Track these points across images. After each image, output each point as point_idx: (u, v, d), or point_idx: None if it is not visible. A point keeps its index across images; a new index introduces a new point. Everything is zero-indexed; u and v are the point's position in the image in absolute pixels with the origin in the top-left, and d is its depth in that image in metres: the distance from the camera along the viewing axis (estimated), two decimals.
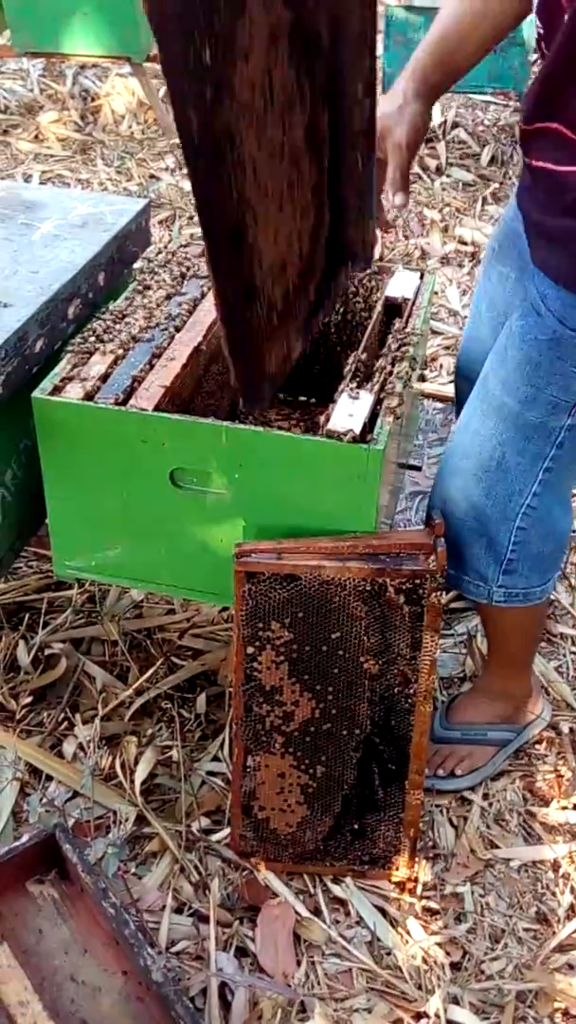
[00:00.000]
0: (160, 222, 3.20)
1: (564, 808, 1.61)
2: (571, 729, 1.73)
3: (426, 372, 2.32)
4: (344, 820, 1.44)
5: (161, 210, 3.26)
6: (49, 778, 1.60)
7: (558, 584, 1.97)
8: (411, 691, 1.34)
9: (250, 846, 1.47)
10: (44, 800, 1.55)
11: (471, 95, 3.93)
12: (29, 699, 1.71)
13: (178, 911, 1.44)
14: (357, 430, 1.26)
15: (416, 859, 1.47)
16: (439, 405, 2.45)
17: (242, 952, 1.40)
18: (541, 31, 1.17)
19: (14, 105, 3.97)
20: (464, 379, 1.64)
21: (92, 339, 1.43)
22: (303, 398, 1.85)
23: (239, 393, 1.21)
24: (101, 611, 1.86)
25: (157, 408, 1.31)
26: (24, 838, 1.37)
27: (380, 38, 3.85)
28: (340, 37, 1.15)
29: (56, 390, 1.34)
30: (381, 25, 3.74)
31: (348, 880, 1.48)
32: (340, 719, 1.36)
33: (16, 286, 1.46)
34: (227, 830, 1.51)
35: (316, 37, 1.12)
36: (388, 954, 1.41)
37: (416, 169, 3.59)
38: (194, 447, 1.31)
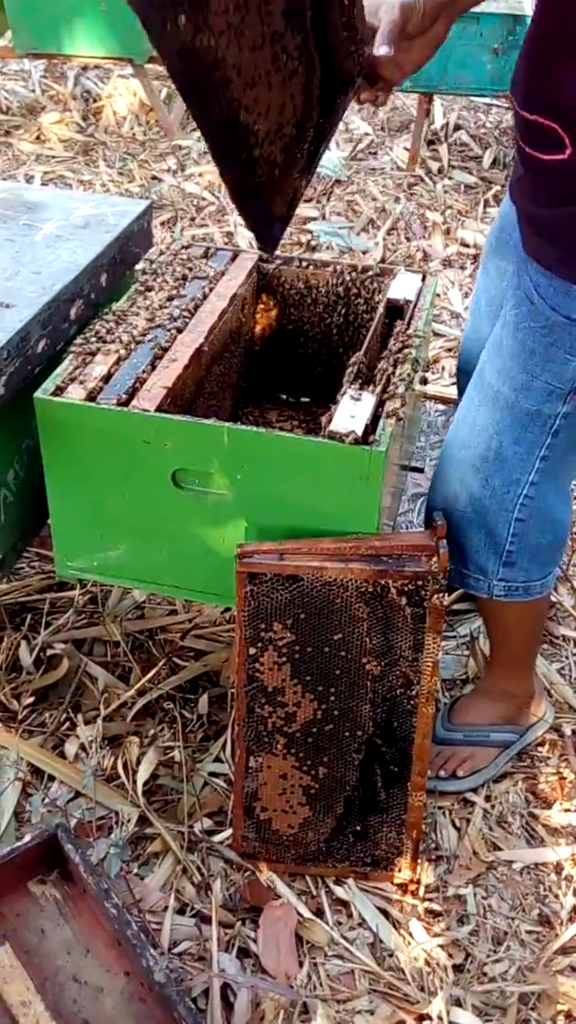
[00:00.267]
0: (162, 223, 3.20)
1: (567, 810, 1.61)
2: (574, 731, 1.73)
3: (428, 374, 2.32)
4: (346, 821, 1.44)
5: (163, 211, 3.26)
6: (51, 778, 1.60)
7: (560, 587, 1.97)
8: (413, 692, 1.34)
9: (252, 847, 1.47)
10: (46, 800, 1.55)
11: (473, 97, 3.93)
12: (31, 699, 1.71)
13: (180, 912, 1.44)
14: (359, 431, 1.26)
15: (418, 861, 1.47)
16: (441, 407, 2.44)
17: (244, 953, 1.40)
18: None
19: (16, 106, 3.97)
20: (465, 375, 1.65)
21: (94, 340, 1.43)
22: (305, 399, 1.85)
23: (254, 236, 1.24)
24: (103, 612, 1.86)
25: (159, 409, 1.32)
26: (26, 838, 1.37)
27: None
28: None
29: (58, 391, 1.34)
30: None
31: (350, 881, 1.48)
32: (342, 720, 1.36)
33: (18, 287, 1.46)
34: (229, 831, 1.51)
35: None
36: (390, 956, 1.41)
37: (418, 171, 3.59)
38: (196, 448, 1.31)
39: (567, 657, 1.86)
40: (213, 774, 1.61)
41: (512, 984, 1.39)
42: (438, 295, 2.86)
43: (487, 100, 3.97)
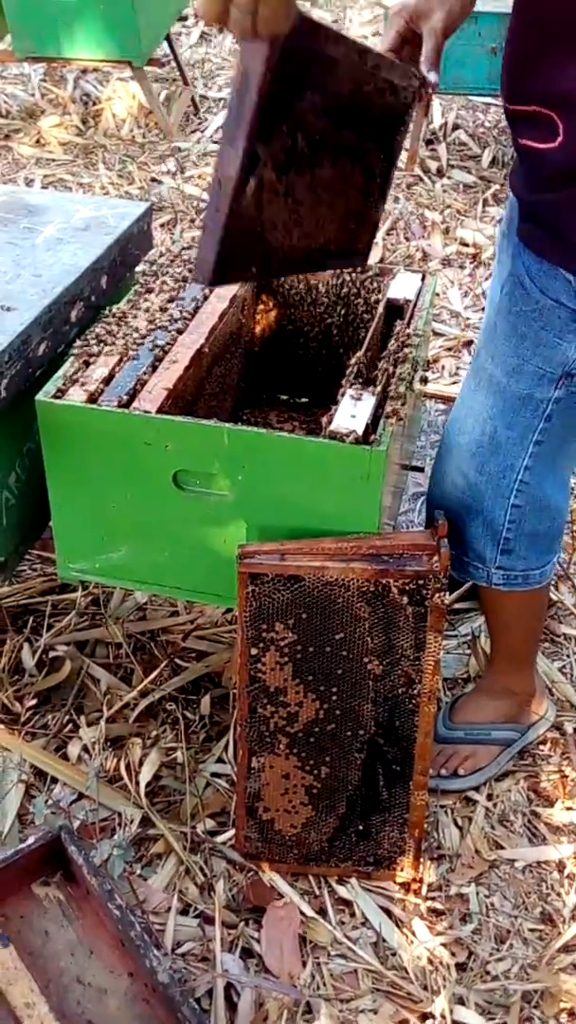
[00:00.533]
0: (161, 225, 3.20)
1: (569, 808, 1.61)
2: (575, 729, 1.73)
3: (428, 374, 2.32)
4: (349, 821, 1.44)
5: (162, 213, 3.26)
6: (54, 780, 1.60)
7: (560, 585, 1.98)
8: (415, 691, 1.35)
9: (255, 847, 1.47)
10: (49, 802, 1.55)
11: (471, 97, 3.93)
12: (34, 701, 1.71)
13: (183, 912, 1.44)
14: (360, 431, 1.26)
15: (421, 860, 1.47)
16: (441, 406, 2.45)
17: (247, 953, 1.40)
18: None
19: (15, 110, 3.97)
20: None
21: (95, 342, 1.43)
22: (304, 400, 1.86)
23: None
24: (105, 613, 1.86)
25: (160, 410, 1.32)
26: (29, 840, 1.38)
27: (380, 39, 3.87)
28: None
29: (59, 393, 1.34)
30: (382, 27, 3.75)
31: (353, 881, 1.48)
32: (344, 720, 1.36)
33: (19, 289, 1.46)
34: (232, 831, 1.51)
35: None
36: (393, 955, 1.41)
37: (417, 171, 3.59)
38: (197, 449, 1.31)
39: (568, 655, 1.86)
40: (215, 775, 1.62)
41: (515, 982, 1.39)
42: (437, 294, 2.86)
43: (485, 99, 3.97)
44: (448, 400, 2.43)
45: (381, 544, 1.29)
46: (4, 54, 3.69)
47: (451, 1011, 1.34)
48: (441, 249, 3.13)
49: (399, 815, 1.43)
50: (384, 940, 1.42)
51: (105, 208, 1.70)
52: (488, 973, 1.40)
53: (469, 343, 2.68)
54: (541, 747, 1.70)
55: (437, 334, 2.71)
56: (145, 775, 1.60)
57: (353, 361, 1.40)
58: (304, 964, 1.39)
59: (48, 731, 1.68)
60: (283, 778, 1.41)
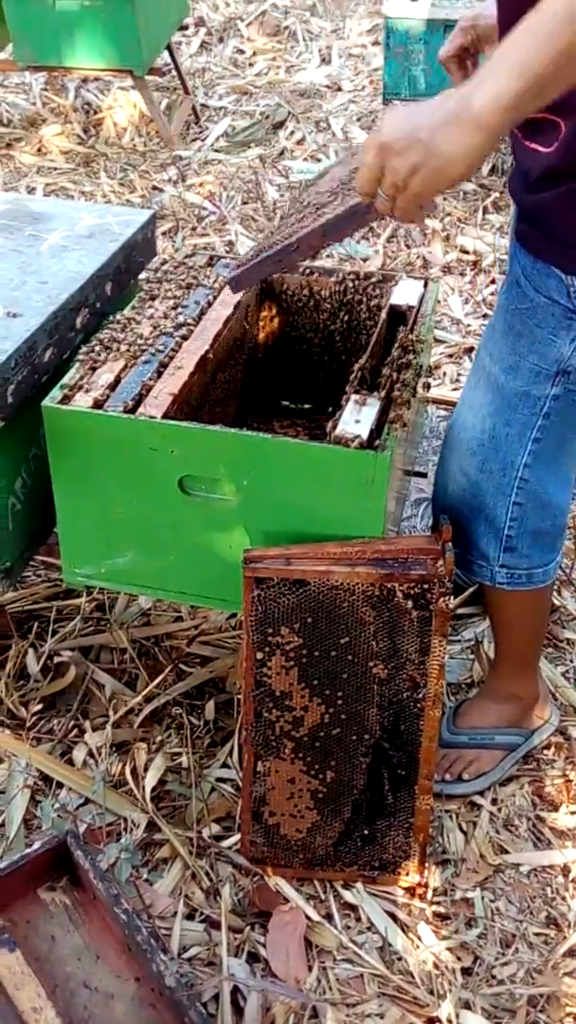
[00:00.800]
0: (163, 233, 3.21)
1: (573, 813, 1.61)
2: None
3: (430, 380, 2.33)
4: (354, 825, 1.44)
5: (164, 221, 3.27)
6: (60, 786, 1.60)
7: (563, 590, 1.98)
8: (420, 695, 1.35)
9: (260, 852, 1.48)
10: (57, 805, 1.55)
11: None
12: (39, 707, 1.72)
13: (189, 917, 1.44)
14: (365, 436, 1.27)
15: (426, 864, 1.47)
16: (443, 412, 2.46)
17: (254, 958, 1.40)
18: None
19: (17, 118, 3.99)
20: None
21: (100, 348, 1.44)
22: (307, 406, 1.86)
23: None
24: (110, 619, 1.87)
25: (166, 416, 1.33)
26: (35, 845, 1.38)
27: (380, 49, 3.88)
28: None
29: (65, 399, 1.35)
30: (381, 37, 3.76)
31: (358, 885, 1.48)
32: (350, 724, 1.37)
33: (25, 296, 1.47)
34: (237, 836, 1.52)
35: None
36: (399, 959, 1.41)
37: None
38: (203, 454, 1.32)
39: (571, 660, 1.87)
40: (221, 780, 1.62)
41: (521, 986, 1.39)
42: (438, 301, 2.87)
43: None
44: (450, 405, 2.44)
45: (386, 548, 1.29)
46: (5, 63, 3.71)
47: (457, 1015, 1.34)
48: (441, 256, 3.15)
49: (404, 819, 1.44)
50: (390, 944, 1.42)
51: (109, 215, 1.71)
52: (494, 977, 1.40)
53: (470, 350, 2.69)
54: (545, 751, 1.70)
55: (438, 341, 2.72)
56: (150, 780, 1.60)
57: (357, 367, 1.41)
58: (310, 968, 1.39)
59: (53, 736, 1.68)
60: (288, 782, 1.41)
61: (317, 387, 1.82)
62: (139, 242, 1.69)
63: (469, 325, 2.81)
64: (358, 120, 3.98)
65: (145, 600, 1.89)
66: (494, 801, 1.62)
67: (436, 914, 1.47)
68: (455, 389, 2.53)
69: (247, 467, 1.31)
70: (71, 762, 1.64)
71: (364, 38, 4.66)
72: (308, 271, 1.73)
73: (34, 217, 1.70)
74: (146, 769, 1.62)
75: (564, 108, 1.13)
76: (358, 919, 1.46)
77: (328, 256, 3.13)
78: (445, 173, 1.05)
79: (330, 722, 1.36)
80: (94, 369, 1.40)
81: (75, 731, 1.69)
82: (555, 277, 1.25)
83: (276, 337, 1.79)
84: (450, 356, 2.68)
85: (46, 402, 1.34)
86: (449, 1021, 1.34)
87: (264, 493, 1.32)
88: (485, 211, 3.39)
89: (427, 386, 1.65)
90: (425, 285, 1.65)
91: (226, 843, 1.53)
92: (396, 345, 1.47)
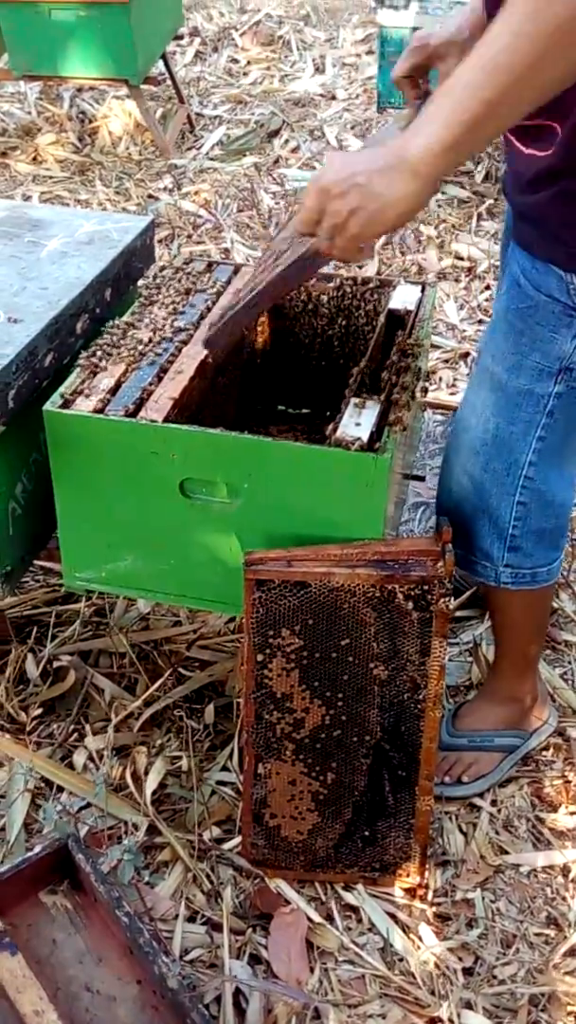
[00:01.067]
0: (159, 241, 3.23)
1: (572, 813, 1.62)
2: None
3: (427, 384, 2.35)
4: (355, 827, 1.45)
5: (160, 229, 3.29)
6: (60, 789, 1.61)
7: (561, 593, 1.99)
8: (420, 697, 1.36)
9: (261, 854, 1.48)
10: (59, 808, 1.56)
11: None
12: (39, 711, 1.72)
13: (191, 920, 1.45)
14: (364, 439, 1.28)
15: (426, 865, 1.48)
16: (440, 417, 2.47)
17: (255, 960, 1.40)
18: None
19: (12, 127, 4.01)
20: None
21: (100, 353, 1.45)
22: (305, 411, 1.87)
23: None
24: (109, 623, 1.87)
25: (167, 420, 1.33)
26: (37, 848, 1.38)
27: (374, 58, 3.91)
28: None
29: (66, 403, 1.36)
30: (374, 46, 3.78)
31: (359, 887, 1.49)
32: (350, 725, 1.37)
33: (25, 302, 1.48)
34: (238, 839, 1.52)
35: None
36: (400, 960, 1.42)
37: None
38: (203, 458, 1.32)
39: (569, 662, 1.88)
40: (221, 783, 1.62)
41: (522, 986, 1.39)
42: (434, 307, 2.89)
43: None
44: (446, 410, 2.46)
45: (386, 550, 1.30)
46: (1, 72, 3.72)
47: (459, 1015, 1.35)
48: (436, 263, 3.16)
49: (405, 821, 1.44)
50: (391, 945, 1.43)
51: (108, 222, 1.72)
52: (495, 977, 1.41)
53: (466, 355, 2.71)
54: (544, 753, 1.71)
55: (434, 346, 2.73)
56: (151, 783, 1.60)
57: (356, 370, 1.42)
58: (312, 970, 1.40)
59: (54, 740, 1.68)
60: (289, 784, 1.41)
61: (315, 392, 1.83)
62: (138, 248, 1.70)
63: (464, 330, 2.82)
64: (352, 128, 4.00)
65: (144, 604, 1.90)
66: (494, 802, 1.63)
67: (437, 915, 1.47)
68: (452, 394, 2.55)
69: (248, 470, 1.32)
70: (71, 766, 1.64)
71: (358, 47, 4.69)
72: None
73: (33, 224, 1.71)
74: (146, 773, 1.62)
75: (559, 112, 1.15)
76: (359, 920, 1.46)
77: None
78: (383, 216, 1.09)
79: (331, 724, 1.37)
80: (95, 374, 1.41)
81: (75, 735, 1.70)
82: (555, 275, 1.26)
83: (274, 342, 1.80)
84: (446, 361, 2.69)
85: (47, 406, 1.35)
86: (451, 1021, 1.34)
87: (265, 496, 1.33)
88: (479, 218, 3.41)
89: (425, 390, 1.66)
90: (423, 290, 1.67)
91: (227, 846, 1.53)
92: (395, 348, 1.48)
